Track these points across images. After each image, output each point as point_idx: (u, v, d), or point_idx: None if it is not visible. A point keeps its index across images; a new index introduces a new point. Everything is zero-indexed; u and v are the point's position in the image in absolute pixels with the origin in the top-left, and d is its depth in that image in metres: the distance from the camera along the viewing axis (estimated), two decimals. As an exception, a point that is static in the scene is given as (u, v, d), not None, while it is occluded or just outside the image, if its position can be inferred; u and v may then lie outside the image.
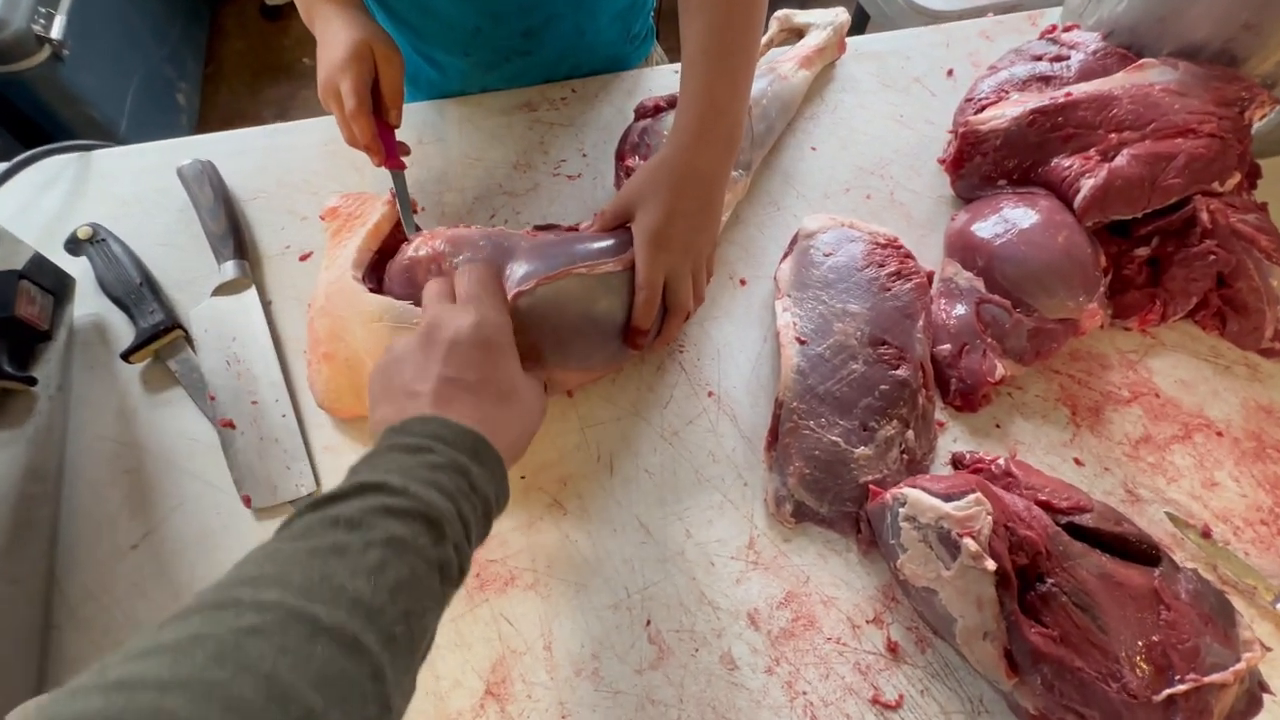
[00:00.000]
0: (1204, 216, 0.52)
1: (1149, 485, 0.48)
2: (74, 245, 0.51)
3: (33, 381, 0.45)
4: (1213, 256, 0.51)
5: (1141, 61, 0.57)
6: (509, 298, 0.42)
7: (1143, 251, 0.54)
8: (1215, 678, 0.36)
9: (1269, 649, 0.38)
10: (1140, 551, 0.41)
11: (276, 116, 1.83)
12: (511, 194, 0.59)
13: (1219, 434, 0.50)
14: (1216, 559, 0.45)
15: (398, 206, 0.51)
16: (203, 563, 0.43)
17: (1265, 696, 0.38)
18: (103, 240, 0.51)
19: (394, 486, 0.28)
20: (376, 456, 0.31)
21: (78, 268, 0.52)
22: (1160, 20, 0.58)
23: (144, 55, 1.54)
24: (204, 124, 1.75)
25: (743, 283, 0.56)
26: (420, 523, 0.27)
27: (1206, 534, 0.46)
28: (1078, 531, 0.41)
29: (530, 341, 0.42)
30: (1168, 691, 0.36)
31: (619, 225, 0.48)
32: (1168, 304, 0.53)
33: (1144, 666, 0.37)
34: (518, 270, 0.43)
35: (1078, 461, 0.49)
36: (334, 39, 0.50)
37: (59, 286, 0.49)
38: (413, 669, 0.27)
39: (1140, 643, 0.37)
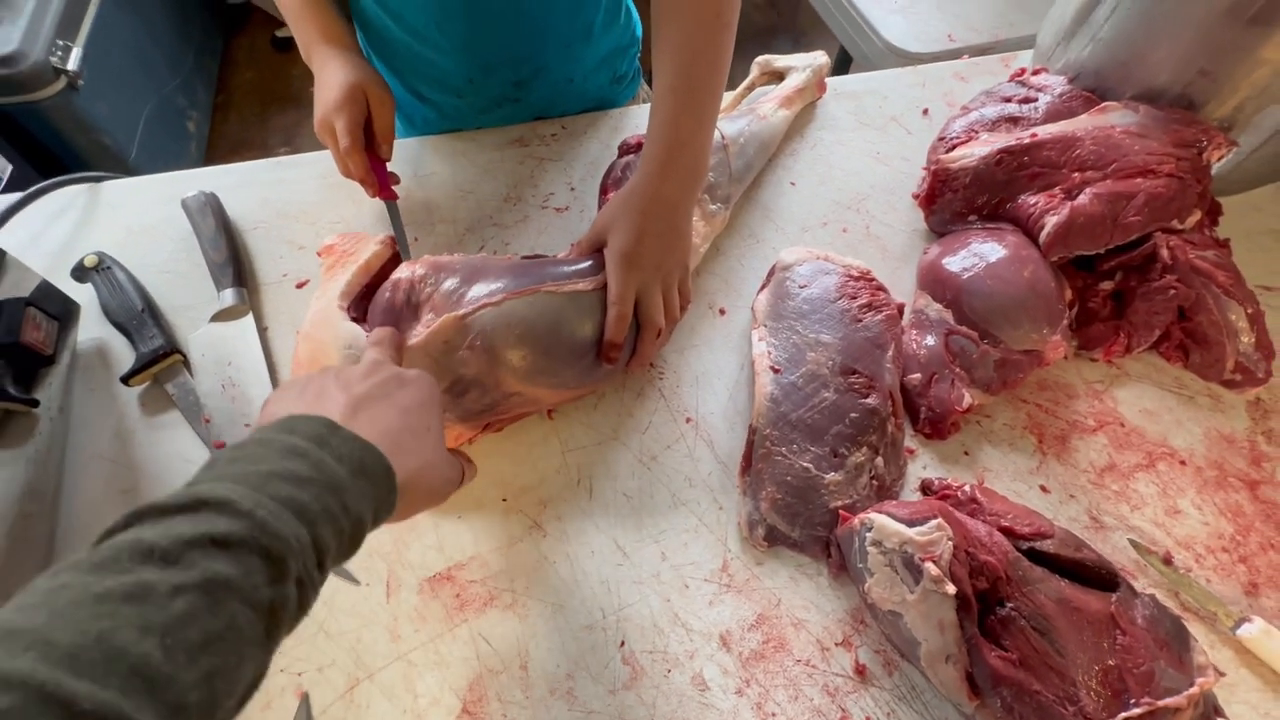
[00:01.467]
0: (1164, 253, 0.54)
1: (1113, 512, 0.49)
2: (80, 273, 0.53)
3: (35, 404, 0.47)
4: (1173, 291, 0.53)
5: (1104, 104, 0.60)
6: (474, 309, 0.44)
7: (1107, 285, 0.56)
8: (1169, 701, 0.37)
9: (1222, 674, 0.39)
10: (1099, 577, 0.42)
11: (283, 143, 1.88)
12: (501, 225, 0.62)
13: (1182, 463, 0.51)
14: (1178, 586, 0.46)
15: (393, 243, 0.53)
16: (192, 581, 0.44)
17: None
18: (108, 268, 0.54)
19: (237, 507, 0.24)
20: (240, 451, 0.27)
21: (83, 294, 0.54)
22: (1123, 65, 0.61)
23: (157, 84, 1.59)
24: (213, 150, 1.79)
25: (722, 312, 0.58)
26: (257, 558, 0.23)
27: (1168, 561, 0.47)
28: (1039, 557, 0.42)
29: (495, 354, 0.44)
30: (1123, 715, 0.37)
31: (594, 251, 0.50)
32: (1131, 336, 0.55)
33: (1100, 690, 0.38)
34: (488, 286, 0.45)
35: (1044, 489, 0.50)
36: (330, 80, 0.53)
37: (64, 313, 0.51)
38: None
39: (1096, 666, 0.38)
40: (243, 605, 0.22)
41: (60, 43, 1.25)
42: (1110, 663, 0.39)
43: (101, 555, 0.22)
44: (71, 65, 1.25)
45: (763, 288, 0.57)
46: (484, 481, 0.49)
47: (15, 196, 0.57)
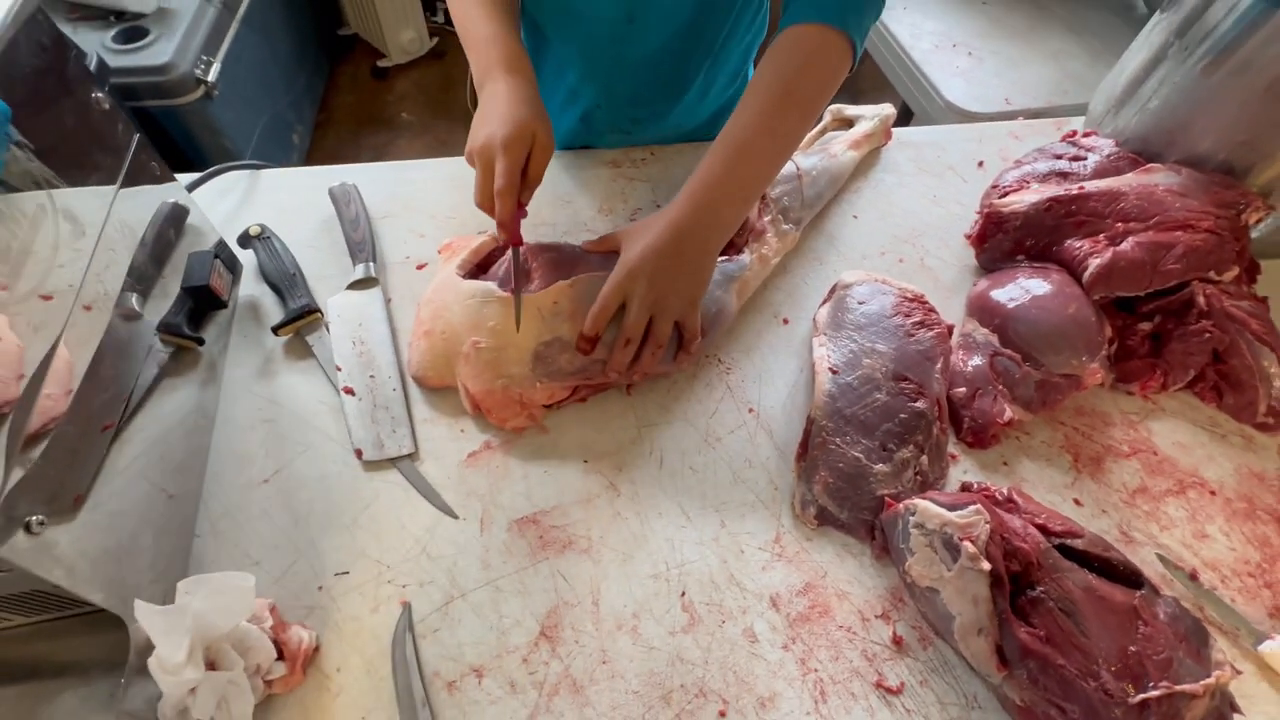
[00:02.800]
0: (1200, 299, 0.59)
1: (1143, 530, 0.53)
2: (245, 240, 0.63)
3: (201, 342, 0.56)
4: (1208, 334, 0.58)
5: (1150, 165, 0.66)
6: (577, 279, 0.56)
7: (1145, 326, 0.61)
8: (1186, 687, 0.40)
9: (1239, 671, 0.42)
10: (1125, 575, 0.46)
11: (373, 161, 2.05)
12: (594, 232, 0.70)
13: (1212, 492, 0.55)
14: (1203, 601, 0.49)
15: (495, 241, 0.61)
16: (319, 499, 0.52)
17: (1235, 716, 0.42)
18: (267, 238, 0.63)
19: None
20: None
21: (245, 258, 0.64)
22: (1168, 132, 0.67)
23: (273, 99, 1.78)
24: (310, 163, 1.97)
25: (785, 321, 0.64)
26: None
27: (1194, 577, 0.50)
28: (1069, 553, 0.47)
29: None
30: (1142, 695, 0.41)
31: (606, 251, 0.58)
32: (1167, 374, 0.59)
33: (1120, 670, 0.41)
34: (586, 265, 0.58)
35: (1077, 502, 0.54)
36: (504, 110, 0.53)
37: (234, 268, 0.61)
38: None
39: (1118, 650, 0.42)
40: None
41: (204, 57, 1.43)
42: (1132, 648, 0.42)
43: None
44: (211, 77, 1.42)
45: (824, 302, 0.63)
46: (569, 445, 0.55)
47: (198, 175, 0.68)
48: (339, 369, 0.57)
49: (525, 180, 0.54)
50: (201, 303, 0.55)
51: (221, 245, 0.59)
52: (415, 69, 2.28)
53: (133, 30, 1.37)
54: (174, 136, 1.45)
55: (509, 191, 0.51)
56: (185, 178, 0.67)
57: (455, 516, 0.51)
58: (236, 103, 1.55)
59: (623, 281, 0.53)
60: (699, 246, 0.55)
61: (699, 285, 0.56)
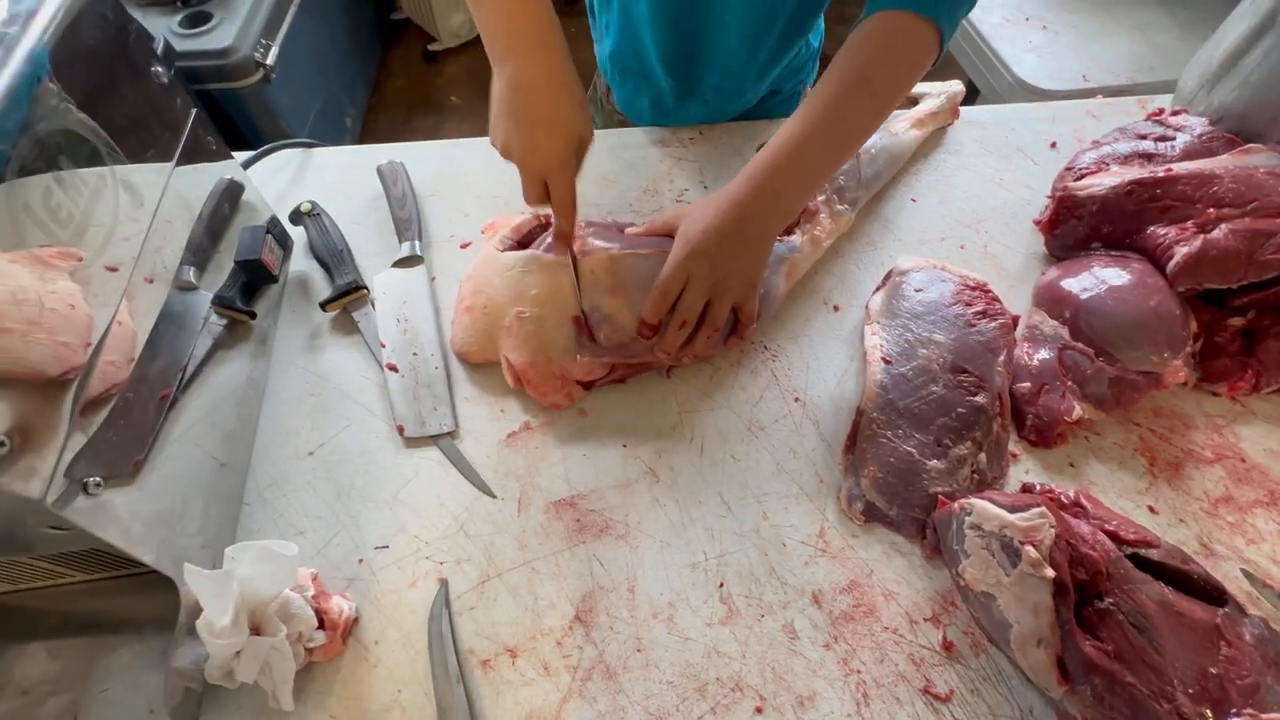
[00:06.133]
0: (1303, 293, 0.53)
1: (1226, 543, 0.49)
2: (296, 216, 0.64)
3: (253, 315, 0.57)
4: (1310, 332, 0.53)
5: (1249, 145, 0.60)
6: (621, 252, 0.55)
7: (1237, 321, 0.56)
8: (1273, 716, 0.37)
9: (1336, 703, 0.38)
10: (1205, 591, 0.42)
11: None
12: (639, 213, 0.68)
13: (1307, 505, 0.50)
14: (1293, 622, 0.45)
15: (537, 218, 0.61)
16: (361, 473, 0.52)
17: (1330, 751, 0.38)
18: (317, 215, 0.64)
19: None
20: None
21: (296, 235, 0.65)
22: (1273, 108, 0.61)
23: (327, 83, 1.81)
24: (362, 145, 2.01)
25: (836, 309, 0.62)
26: None
27: (1284, 596, 0.46)
28: (1142, 564, 0.43)
29: (627, 293, 0.54)
30: (1222, 722, 0.37)
31: (662, 234, 0.55)
32: (1260, 374, 0.54)
33: (1199, 694, 0.38)
34: (629, 242, 0.57)
35: (1152, 509, 0.50)
36: (543, 100, 0.49)
37: (285, 244, 0.62)
38: None
39: (1196, 671, 0.39)
40: None
41: (264, 41, 1.46)
42: (1212, 670, 0.39)
43: None
44: (269, 60, 1.46)
45: (878, 289, 0.60)
46: (608, 428, 0.54)
47: (252, 153, 0.69)
48: (383, 346, 0.58)
49: None
50: (254, 277, 0.56)
51: (274, 221, 0.60)
52: (465, 53, 2.29)
53: (197, 15, 1.41)
54: (233, 118, 1.49)
55: (569, 210, 0.52)
56: (241, 155, 0.68)
57: (493, 496, 0.51)
58: (293, 85, 1.59)
59: (684, 262, 0.51)
60: (761, 229, 0.53)
61: (760, 267, 0.54)
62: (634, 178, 0.71)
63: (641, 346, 0.53)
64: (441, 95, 2.19)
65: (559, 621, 0.46)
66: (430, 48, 2.26)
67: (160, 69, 0.45)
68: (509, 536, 0.49)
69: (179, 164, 0.47)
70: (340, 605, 0.45)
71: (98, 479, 0.36)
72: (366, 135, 2.05)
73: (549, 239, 0.57)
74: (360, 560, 0.48)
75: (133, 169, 0.43)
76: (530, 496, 0.51)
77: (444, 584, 0.47)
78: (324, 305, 0.59)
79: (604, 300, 0.54)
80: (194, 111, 0.50)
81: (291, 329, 0.60)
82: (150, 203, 0.44)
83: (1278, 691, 0.38)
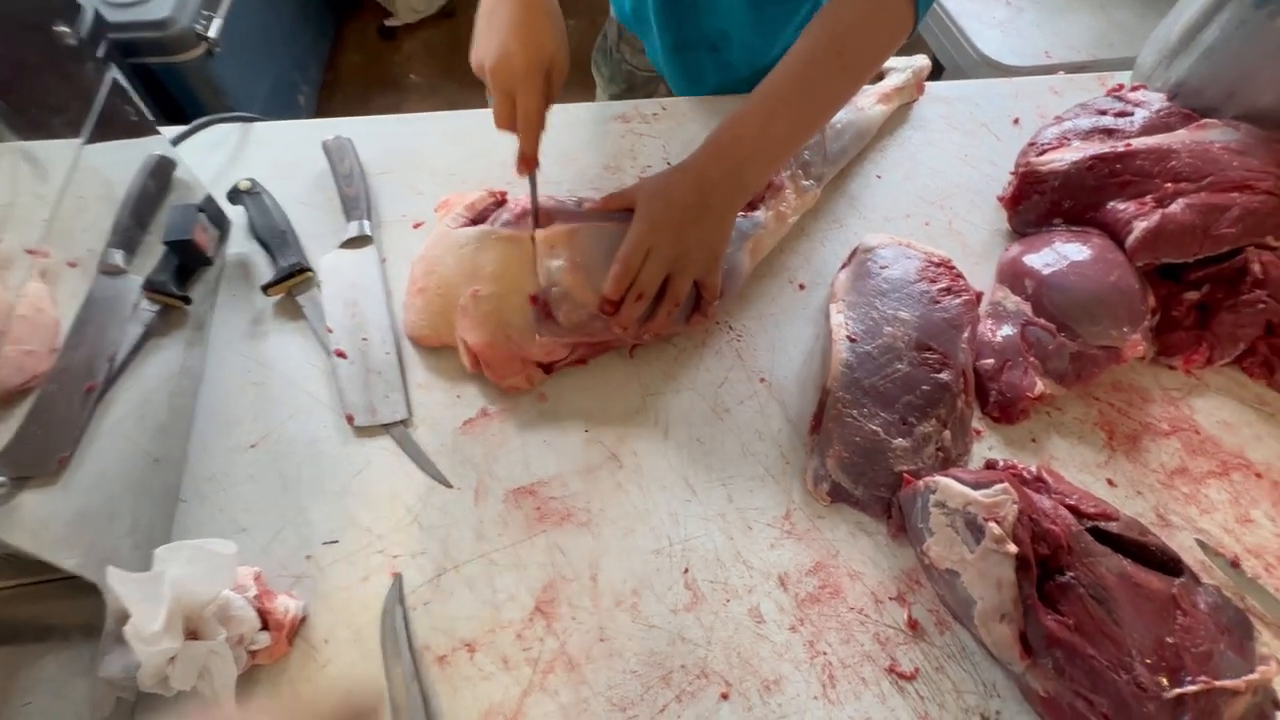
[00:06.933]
0: (1256, 267, 0.54)
1: (1181, 513, 0.49)
2: (235, 195, 0.60)
3: (188, 300, 0.53)
4: (1262, 305, 0.53)
5: (1205, 120, 0.61)
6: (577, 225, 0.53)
7: (1192, 295, 0.56)
8: (1227, 683, 0.38)
9: (1285, 667, 0.39)
10: (1162, 562, 0.43)
11: (380, 123, 2.00)
12: (600, 191, 0.65)
13: (1258, 475, 0.51)
14: (1244, 590, 0.46)
15: (492, 193, 0.58)
16: (308, 465, 0.49)
17: (1278, 714, 0.39)
18: (257, 193, 0.60)
19: None
20: None
21: (235, 215, 0.61)
22: (1229, 84, 0.61)
23: (277, 59, 1.73)
24: (317, 124, 1.93)
25: (801, 287, 0.60)
26: None
27: (1236, 564, 0.47)
28: (1102, 536, 0.43)
29: (587, 269, 0.51)
30: (1178, 690, 0.38)
31: (620, 207, 0.53)
32: (1214, 348, 0.55)
33: (1155, 664, 0.39)
34: (584, 216, 0.55)
35: (1110, 482, 0.51)
36: (520, 15, 0.49)
37: (221, 224, 0.58)
38: None
39: (1153, 641, 0.39)
40: None
41: (205, 13, 1.38)
42: (1169, 640, 0.39)
43: None
44: (212, 33, 1.38)
45: (843, 266, 0.59)
46: (569, 413, 0.53)
47: (184, 127, 0.65)
48: (330, 331, 0.55)
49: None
50: (186, 259, 0.52)
51: (208, 200, 0.56)
52: (424, 29, 2.21)
53: (132, -17, 1.33)
54: (176, 96, 1.41)
55: (535, 128, 0.50)
56: (170, 130, 0.64)
57: (449, 486, 0.49)
58: (239, 61, 1.51)
59: (645, 234, 0.49)
60: (724, 201, 0.51)
61: (722, 240, 0.52)
62: (594, 154, 0.69)
63: (602, 324, 0.51)
64: (400, 72, 2.11)
65: (519, 614, 0.45)
66: (387, 23, 2.17)
67: (65, 28, 0.41)
68: (466, 527, 0.48)
69: (92, 138, 0.43)
70: (286, 604, 0.42)
71: (2, 479, 0.33)
72: (322, 114, 1.95)
73: (504, 215, 0.55)
74: (308, 556, 0.46)
75: (34, 141, 0.39)
76: (488, 485, 0.49)
77: (398, 578, 0.45)
78: (266, 289, 0.56)
79: (562, 277, 0.52)
80: (110, 78, 0.46)
81: (231, 315, 0.57)
82: (57, 178, 0.40)
83: (1230, 659, 0.39)
